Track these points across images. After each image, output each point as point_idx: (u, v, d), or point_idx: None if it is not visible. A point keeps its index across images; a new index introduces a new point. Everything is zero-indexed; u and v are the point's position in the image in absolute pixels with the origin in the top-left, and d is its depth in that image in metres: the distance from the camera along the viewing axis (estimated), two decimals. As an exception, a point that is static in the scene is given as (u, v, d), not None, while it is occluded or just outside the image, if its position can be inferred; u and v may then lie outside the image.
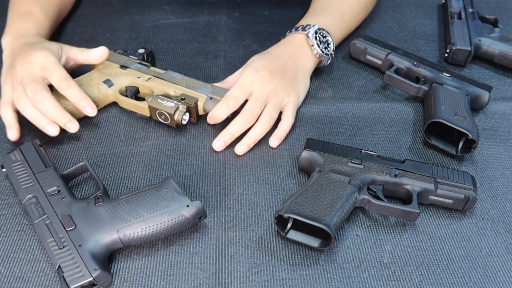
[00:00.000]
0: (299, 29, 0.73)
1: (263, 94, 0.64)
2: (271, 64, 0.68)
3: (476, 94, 0.71)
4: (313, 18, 0.76)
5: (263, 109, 0.64)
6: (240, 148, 0.63)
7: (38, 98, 0.59)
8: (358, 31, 0.88)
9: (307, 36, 0.71)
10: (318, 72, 0.78)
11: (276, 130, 0.65)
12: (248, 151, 0.64)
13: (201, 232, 0.54)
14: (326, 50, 0.72)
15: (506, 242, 0.55)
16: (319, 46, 0.71)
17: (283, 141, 0.66)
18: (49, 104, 0.59)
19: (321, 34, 0.72)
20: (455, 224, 0.57)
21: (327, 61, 0.74)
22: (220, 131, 0.64)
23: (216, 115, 0.63)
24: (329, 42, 0.73)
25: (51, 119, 0.60)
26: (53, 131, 0.60)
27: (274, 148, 0.65)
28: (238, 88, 0.64)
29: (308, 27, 0.72)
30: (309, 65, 0.72)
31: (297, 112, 0.70)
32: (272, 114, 0.64)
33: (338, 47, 0.84)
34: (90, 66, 0.73)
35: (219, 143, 0.63)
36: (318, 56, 0.72)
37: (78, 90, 0.62)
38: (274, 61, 0.69)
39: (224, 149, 0.64)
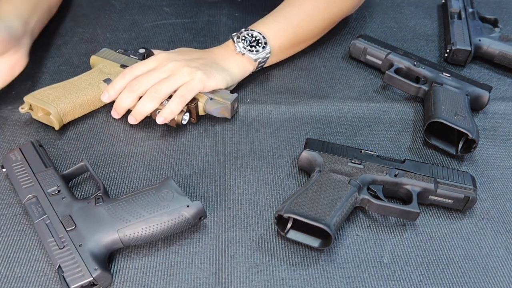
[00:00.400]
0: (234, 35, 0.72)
1: (159, 70, 0.64)
2: (187, 51, 0.70)
3: (476, 94, 0.71)
4: (252, 25, 0.73)
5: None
6: (129, 120, 0.65)
7: None
8: (358, 31, 0.88)
9: (232, 39, 0.70)
10: (318, 72, 0.78)
11: (164, 108, 0.63)
12: (248, 151, 0.64)
13: (201, 232, 0.54)
14: (253, 48, 0.69)
15: (506, 242, 0.55)
16: (240, 44, 0.69)
17: (284, 139, 0.66)
18: None
19: (247, 34, 0.70)
20: (455, 224, 0.57)
21: (257, 60, 0.70)
22: (217, 132, 0.64)
23: (114, 83, 0.65)
24: (258, 39, 0.70)
25: None
26: None
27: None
28: (141, 62, 0.66)
29: (238, 32, 0.71)
30: (234, 66, 0.69)
31: (297, 112, 0.70)
32: (158, 88, 0.62)
33: (338, 47, 0.84)
34: (89, 66, 0.73)
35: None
36: (242, 53, 0.69)
37: None
38: (194, 50, 0.71)
39: (224, 149, 0.64)
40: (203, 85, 0.64)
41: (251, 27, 0.73)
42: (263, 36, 0.71)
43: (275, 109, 0.71)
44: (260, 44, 0.70)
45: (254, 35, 0.71)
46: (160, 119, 0.63)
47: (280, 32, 0.73)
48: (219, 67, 0.68)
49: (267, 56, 0.71)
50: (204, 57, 0.68)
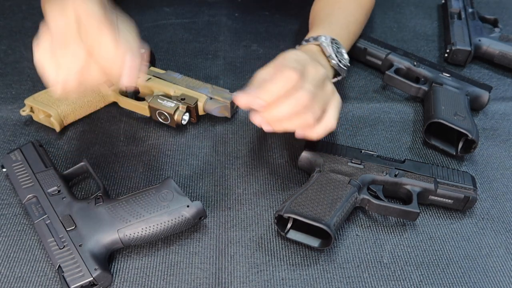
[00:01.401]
0: (310, 40, 0.64)
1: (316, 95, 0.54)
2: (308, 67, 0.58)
3: (476, 94, 0.71)
4: (321, 30, 0.67)
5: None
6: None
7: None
8: (358, 31, 0.88)
9: (322, 46, 0.63)
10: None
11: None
12: (248, 151, 0.64)
13: (201, 232, 0.54)
14: (343, 61, 0.64)
15: (506, 242, 0.55)
16: (337, 57, 0.63)
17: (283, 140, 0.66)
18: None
19: (336, 44, 0.64)
20: (455, 224, 0.57)
21: (344, 73, 0.65)
22: (217, 132, 0.64)
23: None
24: (343, 53, 0.65)
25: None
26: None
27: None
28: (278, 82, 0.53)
29: (319, 37, 0.64)
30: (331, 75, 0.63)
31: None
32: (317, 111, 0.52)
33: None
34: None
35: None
36: (335, 67, 0.63)
37: (113, 39, 0.47)
38: (308, 67, 0.58)
39: (224, 149, 0.64)
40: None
41: (330, 35, 0.65)
42: (346, 53, 0.66)
43: (275, 109, 0.71)
44: (344, 60, 0.65)
45: (342, 52, 0.65)
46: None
47: (347, 49, 0.70)
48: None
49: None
50: (320, 72, 0.55)
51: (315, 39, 0.64)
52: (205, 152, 0.64)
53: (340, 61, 0.64)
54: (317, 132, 0.52)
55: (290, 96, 0.49)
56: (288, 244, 0.54)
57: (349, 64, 0.66)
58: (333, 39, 0.65)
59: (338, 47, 0.65)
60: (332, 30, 0.67)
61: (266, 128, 0.51)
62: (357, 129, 0.68)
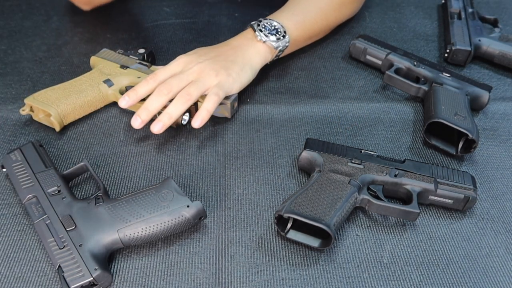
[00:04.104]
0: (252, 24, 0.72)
1: (185, 73, 0.63)
2: (206, 50, 0.68)
3: (476, 94, 0.71)
4: (269, 16, 0.74)
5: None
6: (156, 127, 0.60)
7: None
8: (358, 31, 0.88)
9: (252, 27, 0.71)
10: (318, 72, 0.78)
11: (199, 110, 0.62)
12: (248, 151, 0.64)
13: (201, 232, 0.54)
14: (273, 36, 0.70)
15: (506, 242, 0.55)
16: (261, 32, 0.70)
17: (281, 137, 0.66)
18: None
19: (267, 22, 0.71)
20: (455, 224, 0.57)
21: (277, 48, 0.71)
22: (217, 132, 0.64)
23: (136, 89, 0.62)
24: (277, 28, 0.71)
25: None
26: None
27: (197, 129, 0.64)
28: (163, 68, 0.65)
29: (258, 21, 0.72)
30: (254, 54, 0.69)
31: (297, 112, 0.70)
32: (190, 91, 0.61)
33: (338, 47, 0.84)
34: (90, 66, 0.73)
35: (137, 121, 0.61)
36: (263, 42, 0.69)
37: None
38: (212, 48, 0.69)
39: (224, 149, 0.64)
40: (231, 87, 0.65)
41: (269, 17, 0.73)
42: (282, 26, 0.72)
43: (275, 109, 0.71)
44: (279, 33, 0.71)
45: (273, 25, 0.71)
46: (197, 122, 0.61)
47: (298, 25, 0.75)
48: (240, 61, 0.67)
49: (286, 45, 0.72)
50: (224, 53, 0.68)
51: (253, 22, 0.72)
52: (205, 152, 0.64)
53: (267, 35, 0.70)
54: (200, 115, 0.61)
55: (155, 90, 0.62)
56: (288, 244, 0.54)
57: (283, 38, 0.71)
58: (266, 18, 0.72)
59: (272, 24, 0.71)
60: (281, 15, 0.74)
61: (157, 127, 0.60)
62: (357, 129, 0.68)
